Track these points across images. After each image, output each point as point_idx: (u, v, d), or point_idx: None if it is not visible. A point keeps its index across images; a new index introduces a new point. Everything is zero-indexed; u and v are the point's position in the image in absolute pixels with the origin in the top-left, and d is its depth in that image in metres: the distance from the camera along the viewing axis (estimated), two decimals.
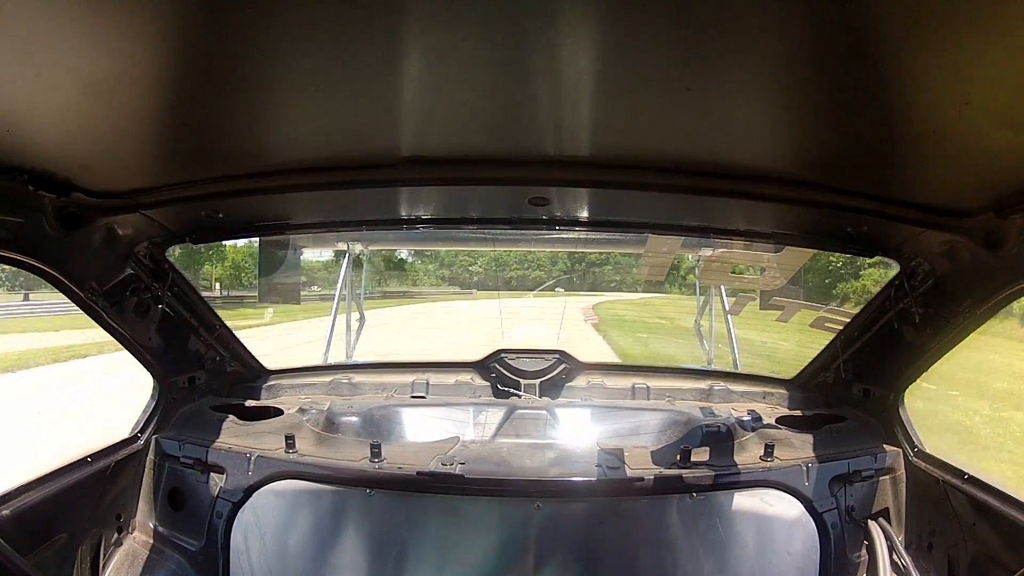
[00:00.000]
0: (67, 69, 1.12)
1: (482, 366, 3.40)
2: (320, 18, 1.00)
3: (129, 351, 2.47)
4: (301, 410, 2.93)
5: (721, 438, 2.73)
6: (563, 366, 3.33)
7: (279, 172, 1.83)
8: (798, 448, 2.49)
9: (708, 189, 1.83)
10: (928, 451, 2.43)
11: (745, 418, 2.87)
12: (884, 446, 2.50)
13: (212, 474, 2.44)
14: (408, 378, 3.36)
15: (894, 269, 2.33)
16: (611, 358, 15.65)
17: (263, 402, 3.08)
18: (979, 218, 1.75)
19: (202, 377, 2.89)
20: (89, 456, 2.24)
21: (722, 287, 4.77)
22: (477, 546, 2.33)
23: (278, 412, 2.92)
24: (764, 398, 3.22)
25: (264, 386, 3.22)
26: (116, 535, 2.40)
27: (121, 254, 2.19)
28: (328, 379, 3.35)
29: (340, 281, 5.23)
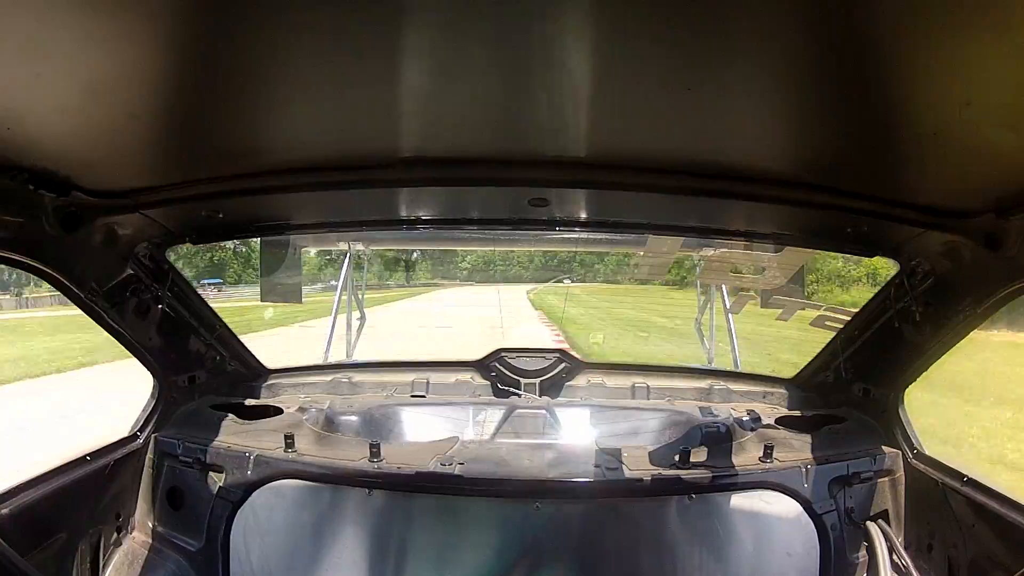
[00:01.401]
0: (67, 68, 1.12)
1: (482, 365, 3.39)
2: (320, 18, 1.00)
3: (129, 351, 2.47)
4: (301, 409, 2.92)
5: (720, 439, 2.72)
6: (563, 365, 3.32)
7: (279, 172, 1.83)
8: (797, 449, 2.48)
9: (708, 190, 1.82)
10: (927, 453, 2.43)
11: (744, 418, 2.86)
12: (883, 448, 2.50)
13: (211, 473, 2.44)
14: (408, 377, 3.35)
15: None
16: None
17: (263, 401, 3.07)
18: (979, 219, 1.74)
19: (202, 376, 2.89)
20: (88, 454, 2.24)
21: (723, 286, 4.77)
22: (476, 546, 2.33)
23: (278, 411, 2.91)
24: (764, 398, 3.21)
25: (264, 385, 3.22)
26: (115, 535, 2.39)
27: (121, 255, 2.19)
28: (328, 378, 3.34)
29: (341, 280, 5.23)
